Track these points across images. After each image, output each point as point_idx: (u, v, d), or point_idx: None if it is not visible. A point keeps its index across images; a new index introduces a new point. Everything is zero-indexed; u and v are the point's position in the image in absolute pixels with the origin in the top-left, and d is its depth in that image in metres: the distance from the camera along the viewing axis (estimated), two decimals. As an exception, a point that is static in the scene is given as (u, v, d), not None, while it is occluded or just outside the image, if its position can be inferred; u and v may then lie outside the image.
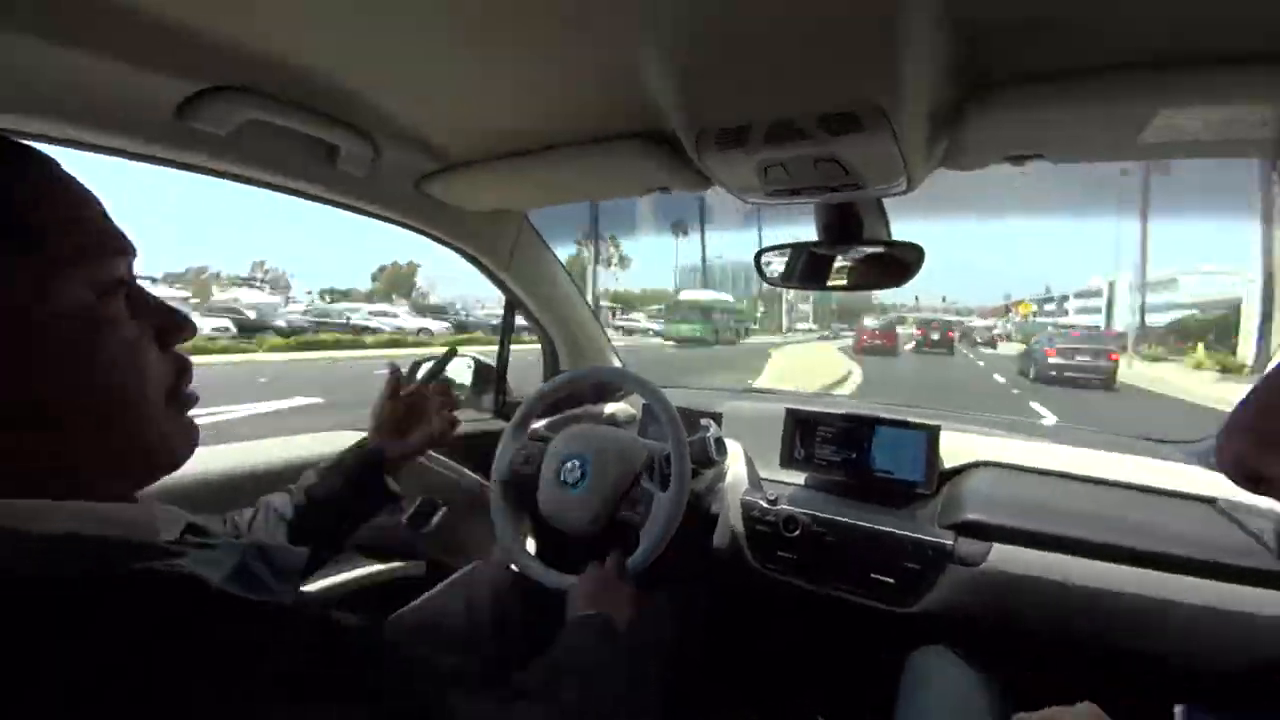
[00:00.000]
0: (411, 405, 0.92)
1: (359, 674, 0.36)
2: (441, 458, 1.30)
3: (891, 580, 1.04)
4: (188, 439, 0.45)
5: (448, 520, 1.28)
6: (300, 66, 0.67)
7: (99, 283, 0.38)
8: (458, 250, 1.21)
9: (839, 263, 1.03)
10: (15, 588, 0.30)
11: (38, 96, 0.62)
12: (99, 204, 0.40)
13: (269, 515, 0.74)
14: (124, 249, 0.41)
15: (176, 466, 0.44)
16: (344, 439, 1.17)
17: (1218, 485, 1.03)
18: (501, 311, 1.50)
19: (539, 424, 1.39)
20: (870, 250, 0.98)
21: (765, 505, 1.16)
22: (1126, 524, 0.97)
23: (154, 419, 0.41)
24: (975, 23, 0.52)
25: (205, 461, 0.97)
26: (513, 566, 1.11)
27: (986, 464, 1.17)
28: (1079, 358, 13.26)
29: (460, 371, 1.56)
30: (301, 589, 0.74)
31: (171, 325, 0.43)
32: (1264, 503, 0.97)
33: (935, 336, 21.94)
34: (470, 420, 1.52)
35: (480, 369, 1.55)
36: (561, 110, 0.78)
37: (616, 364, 1.66)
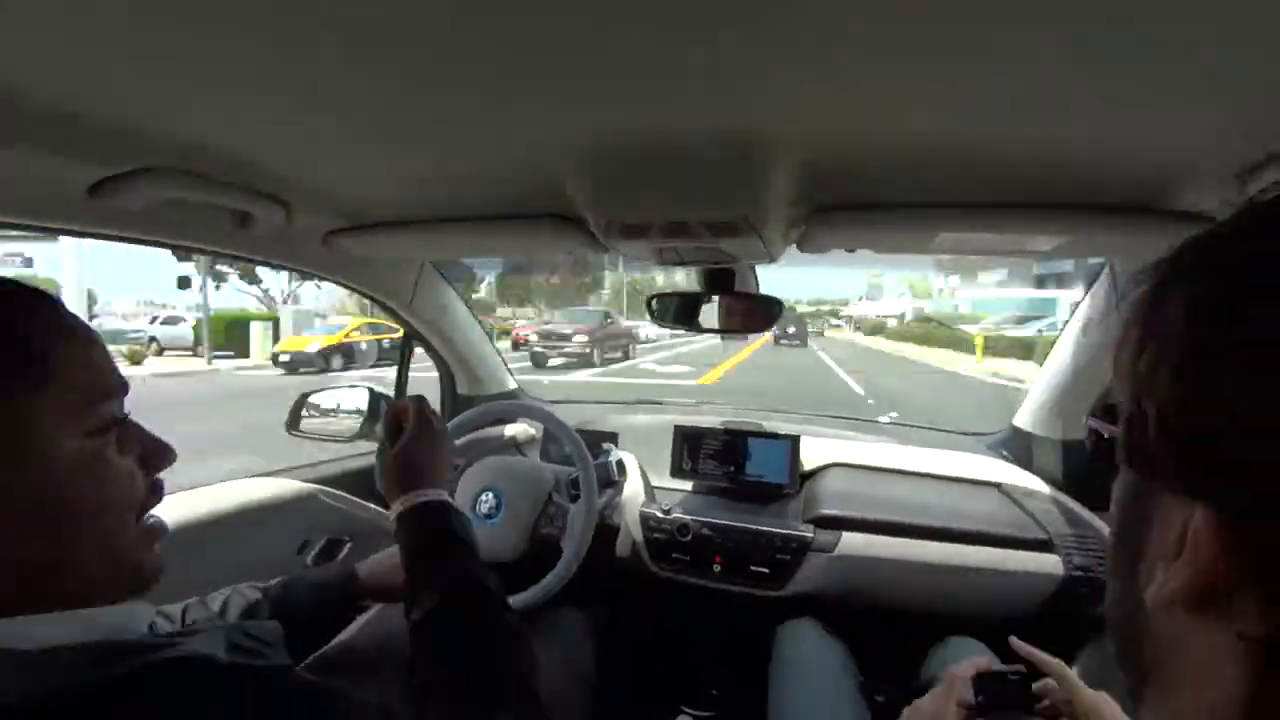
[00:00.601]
0: None
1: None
2: (340, 493, 1.31)
3: (767, 570, 1.25)
4: (154, 564, 0.47)
5: (354, 556, 1.30)
6: (210, 145, 0.68)
7: (94, 423, 0.41)
8: (363, 294, 1.23)
9: (716, 310, 1.20)
10: (20, 713, 0.32)
11: None
12: (98, 339, 0.43)
13: (241, 605, 0.78)
14: (119, 388, 0.44)
15: (141, 592, 0.46)
16: (264, 487, 1.17)
17: (1003, 474, 1.36)
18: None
19: None
20: (741, 301, 1.16)
21: (660, 515, 1.32)
22: (938, 509, 1.25)
23: (123, 545, 0.43)
24: (811, 164, 0.69)
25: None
26: None
27: (837, 465, 1.43)
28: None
29: (355, 400, 1.55)
30: None
31: (155, 453, 0.46)
32: (1037, 485, 1.30)
33: (791, 330, 26.30)
34: (367, 452, 1.53)
35: (375, 397, 1.55)
36: (473, 187, 0.84)
37: (512, 385, 1.74)
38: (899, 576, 1.19)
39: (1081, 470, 1.26)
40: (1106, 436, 0.33)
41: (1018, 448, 1.44)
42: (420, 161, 0.77)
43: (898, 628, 1.20)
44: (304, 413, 1.57)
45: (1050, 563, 1.13)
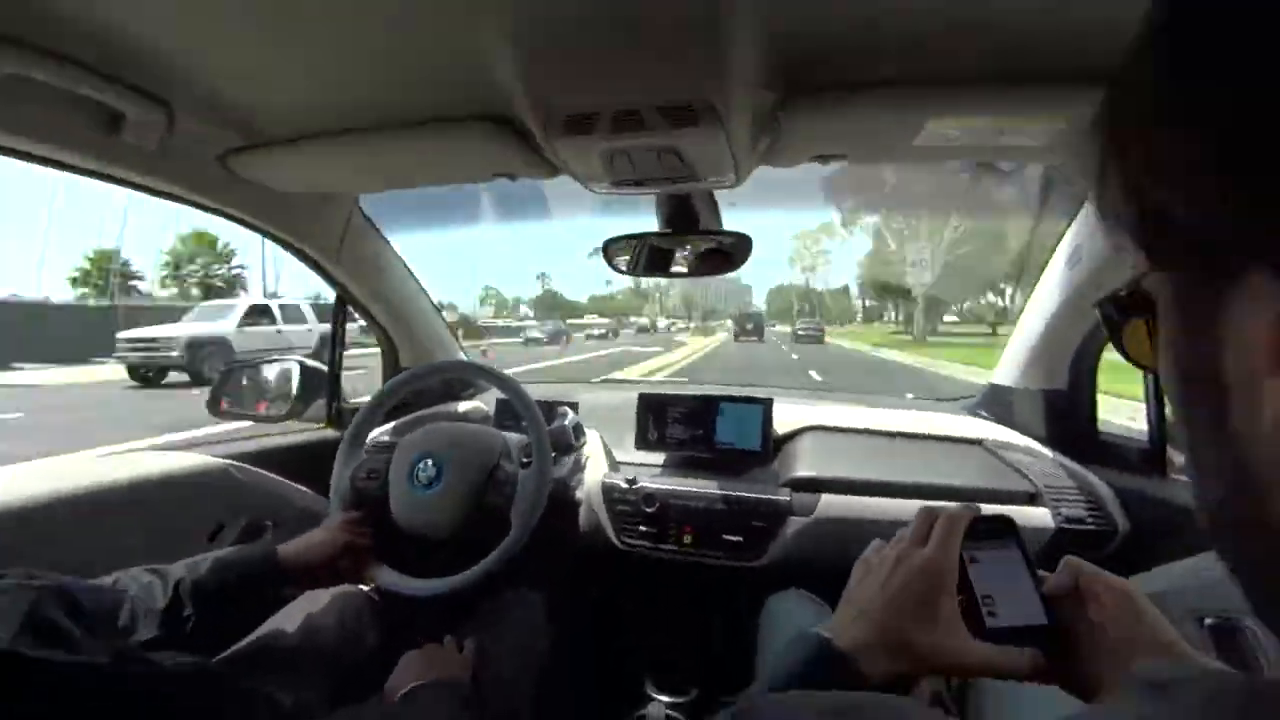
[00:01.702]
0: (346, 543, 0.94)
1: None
2: (265, 473, 1.16)
3: (741, 539, 1.14)
4: None
5: (278, 540, 1.14)
6: (76, 15, 0.56)
7: None
8: (273, 237, 1.08)
9: (679, 252, 1.10)
10: None
11: None
12: None
13: (133, 591, 0.67)
14: None
15: None
16: (171, 460, 1.01)
17: (984, 431, 1.28)
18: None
19: (381, 432, 1.30)
20: (705, 239, 1.06)
21: (625, 485, 1.21)
22: (920, 466, 1.16)
23: None
24: (785, 35, 0.60)
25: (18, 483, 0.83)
26: (363, 585, 1.04)
27: (812, 428, 1.33)
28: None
29: (285, 376, 1.40)
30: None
31: None
32: (1019, 440, 1.23)
33: (749, 326, 29.63)
34: (298, 430, 1.38)
35: (308, 372, 1.40)
36: (395, 87, 0.73)
37: (461, 357, 1.61)
38: (884, 537, 1.10)
39: (1066, 421, 1.20)
40: (1126, 293, 0.28)
41: (996, 406, 1.38)
42: (327, 48, 0.65)
43: None
44: (226, 391, 1.42)
45: (1039, 516, 1.07)
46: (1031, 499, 1.09)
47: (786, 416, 1.36)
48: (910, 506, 1.09)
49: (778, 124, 0.71)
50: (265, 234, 1.06)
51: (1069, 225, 1.05)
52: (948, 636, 0.42)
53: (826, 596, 1.07)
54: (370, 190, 1.09)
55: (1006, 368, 1.31)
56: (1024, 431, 1.27)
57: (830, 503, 1.13)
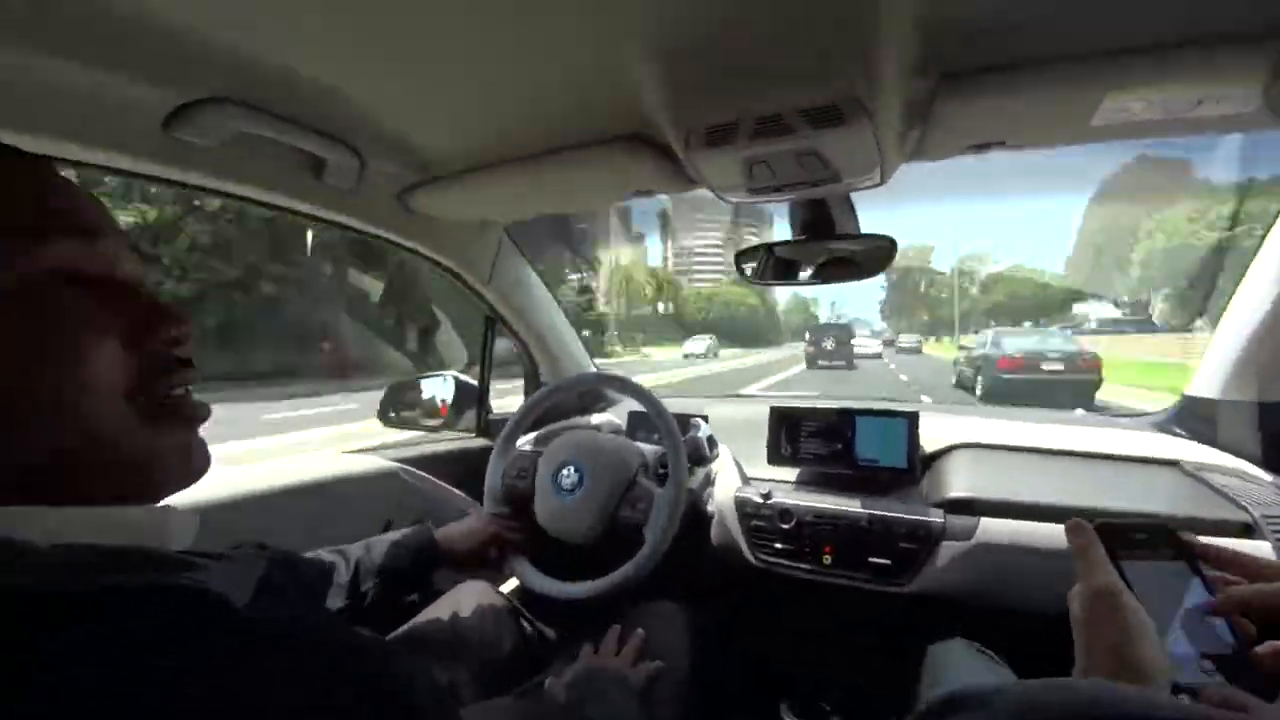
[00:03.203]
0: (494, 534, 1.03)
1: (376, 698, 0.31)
2: (426, 475, 1.28)
3: (889, 561, 1.06)
4: (178, 458, 0.39)
5: (439, 541, 1.26)
6: (288, 79, 0.67)
7: (38, 267, 0.34)
8: (437, 265, 1.21)
9: (813, 259, 1.08)
10: (8, 603, 0.26)
11: (20, 109, 0.60)
12: (64, 185, 0.37)
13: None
14: (88, 229, 0.36)
15: (166, 490, 0.39)
16: (350, 463, 1.16)
17: (1180, 450, 1.11)
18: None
19: (524, 441, 1.39)
20: (843, 244, 1.03)
21: (759, 500, 1.18)
22: (1099, 489, 1.02)
23: (113, 426, 0.35)
24: (938, 19, 0.57)
25: (229, 482, 0.97)
26: (503, 588, 1.10)
27: (965, 445, 1.22)
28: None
29: (441, 389, 1.54)
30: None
31: (143, 320, 0.37)
32: (1226, 461, 1.05)
33: (829, 345, 22.21)
34: (452, 439, 1.50)
35: (461, 387, 1.54)
36: (544, 117, 0.79)
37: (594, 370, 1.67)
38: (1055, 570, 0.97)
39: None
40: None
41: (1195, 422, 1.18)
42: (485, 87, 0.73)
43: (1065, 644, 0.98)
44: (394, 403, 1.59)
45: (1258, 550, 0.89)
46: (1247, 530, 0.92)
47: (934, 432, 1.26)
48: None
49: (929, 114, 0.68)
50: (432, 261, 1.19)
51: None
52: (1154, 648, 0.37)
53: (988, 637, 0.97)
54: (522, 216, 1.18)
55: (1207, 377, 1.12)
56: (1233, 451, 1.08)
57: (991, 527, 1.02)
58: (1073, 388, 9.91)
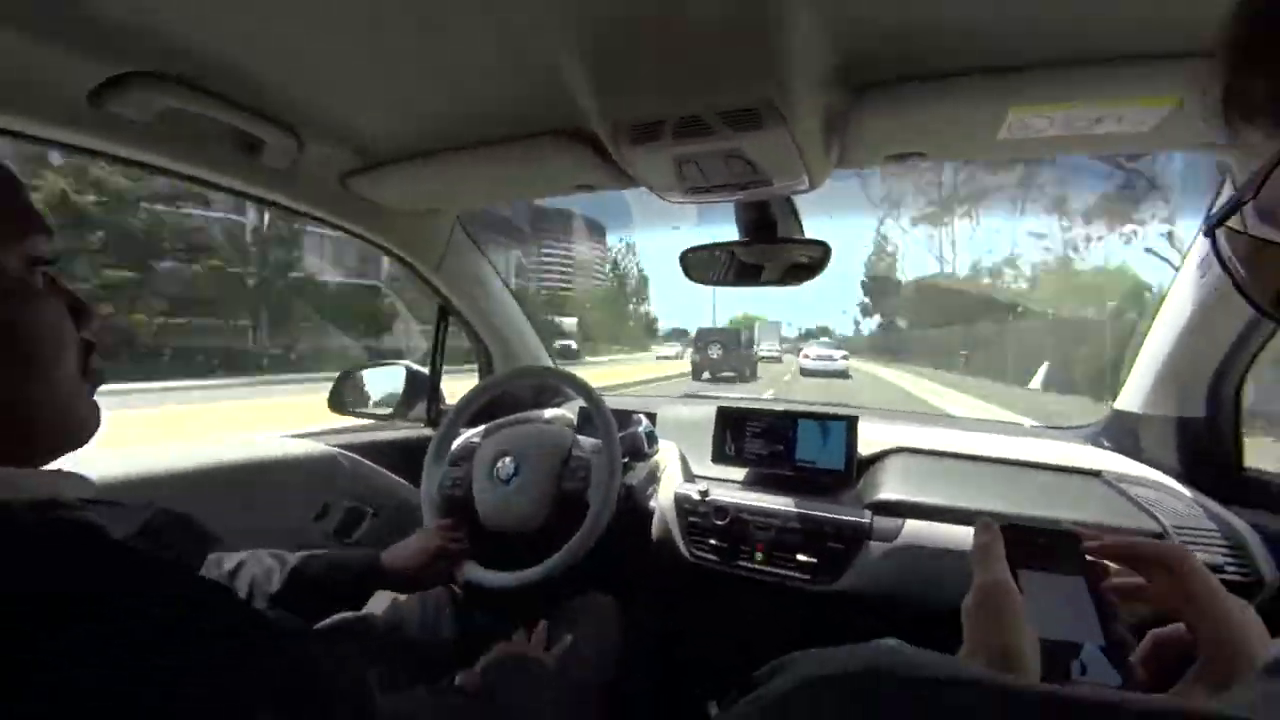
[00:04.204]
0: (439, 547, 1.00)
1: (258, 636, 0.34)
2: (365, 460, 1.28)
3: (815, 560, 1.09)
4: (94, 416, 0.46)
5: (375, 528, 1.25)
6: (222, 55, 0.67)
7: (29, 257, 0.40)
8: (384, 251, 1.20)
9: (757, 260, 1.09)
10: None
11: None
12: (22, 184, 0.42)
13: (255, 572, 0.78)
14: (46, 228, 0.42)
15: (82, 443, 0.45)
16: (286, 446, 1.15)
17: (1104, 461, 1.14)
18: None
19: (474, 433, 1.39)
20: (784, 247, 1.05)
21: (697, 497, 1.20)
22: (1024, 495, 1.05)
23: (67, 392, 0.43)
24: (850, 31, 0.59)
25: (173, 458, 0.96)
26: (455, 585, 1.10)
27: (901, 450, 1.25)
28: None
29: (392, 379, 1.54)
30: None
31: (81, 306, 0.45)
32: (1147, 473, 1.09)
33: (715, 353, 20.45)
34: (403, 428, 1.50)
35: (413, 376, 1.54)
36: (484, 105, 0.80)
37: (549, 364, 1.68)
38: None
39: (1203, 453, 1.04)
40: None
41: (1120, 435, 1.22)
42: (430, 80, 0.74)
43: None
44: (345, 391, 1.57)
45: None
46: (1158, 539, 0.95)
47: (874, 436, 1.29)
48: None
49: (847, 123, 0.70)
50: (378, 247, 1.18)
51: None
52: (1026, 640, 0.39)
53: (915, 635, 0.99)
54: (468, 205, 1.19)
55: (1131, 392, 1.16)
56: (1154, 465, 1.12)
57: (916, 529, 1.05)
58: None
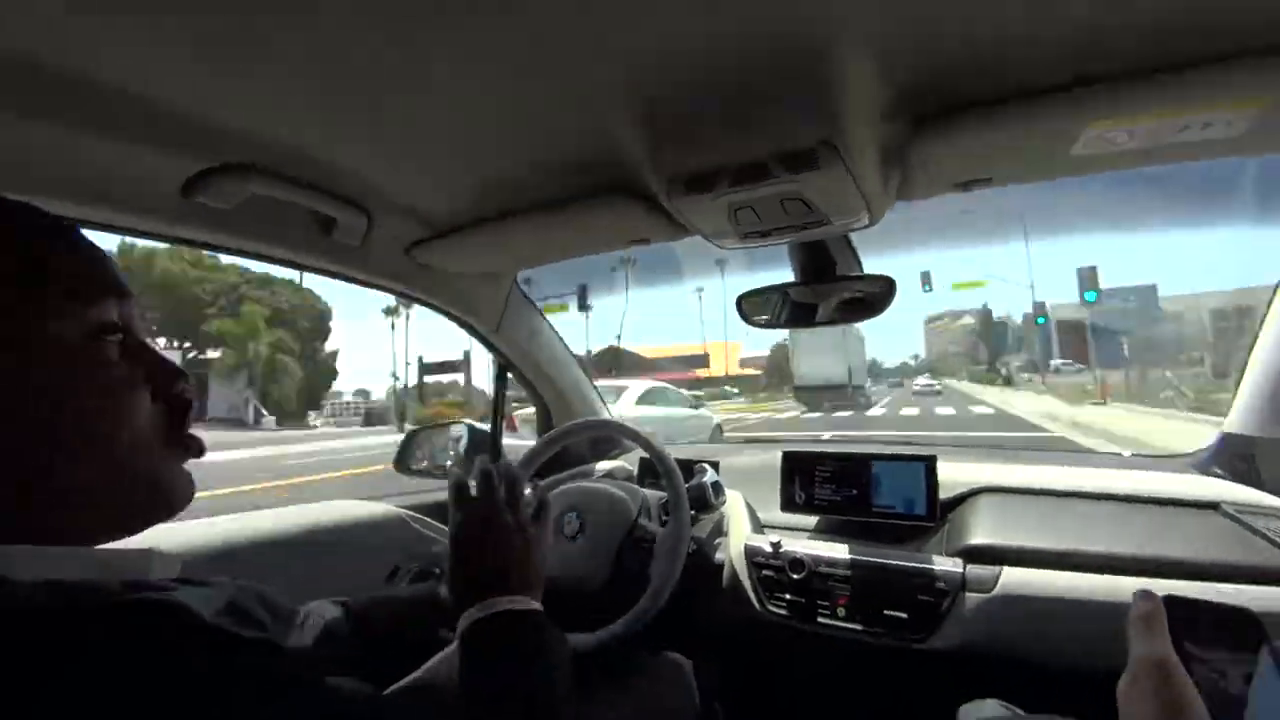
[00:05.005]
0: None
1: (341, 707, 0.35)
2: (433, 522, 1.28)
3: (905, 615, 1.01)
4: (184, 485, 0.45)
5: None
6: (298, 144, 0.72)
7: (90, 324, 0.39)
8: (446, 314, 1.24)
9: (816, 300, 1.07)
10: None
11: (45, 177, 0.66)
12: (99, 249, 0.42)
13: (316, 621, 0.76)
14: (120, 293, 0.42)
15: (171, 512, 0.44)
16: (357, 509, 1.17)
17: (1221, 491, 1.03)
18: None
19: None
20: (844, 285, 1.02)
21: (769, 550, 1.14)
22: (1132, 535, 0.96)
23: (137, 461, 0.41)
24: (904, 65, 0.58)
25: (226, 528, 0.98)
26: None
27: (986, 489, 1.17)
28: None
29: (456, 438, 1.56)
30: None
31: (165, 373, 0.44)
32: (1270, 501, 0.98)
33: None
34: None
35: (475, 434, 1.56)
36: (543, 171, 0.83)
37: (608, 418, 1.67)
38: (1083, 623, 0.90)
39: None
40: None
41: (1236, 461, 1.10)
42: (488, 150, 0.77)
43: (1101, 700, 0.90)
44: (411, 451, 1.61)
45: None
46: None
47: (955, 476, 1.21)
48: (1119, 586, 0.89)
49: (907, 155, 0.68)
50: (441, 311, 1.23)
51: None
52: None
53: (1025, 698, 0.89)
54: (524, 266, 1.22)
55: (1244, 413, 1.05)
56: (1277, 492, 1.00)
57: (1016, 578, 0.96)
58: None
